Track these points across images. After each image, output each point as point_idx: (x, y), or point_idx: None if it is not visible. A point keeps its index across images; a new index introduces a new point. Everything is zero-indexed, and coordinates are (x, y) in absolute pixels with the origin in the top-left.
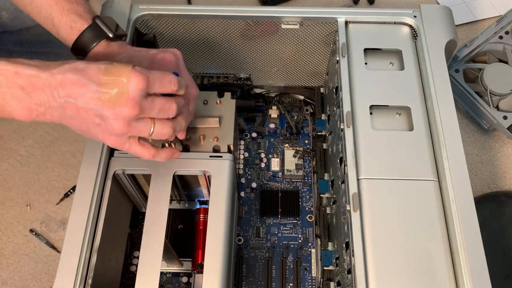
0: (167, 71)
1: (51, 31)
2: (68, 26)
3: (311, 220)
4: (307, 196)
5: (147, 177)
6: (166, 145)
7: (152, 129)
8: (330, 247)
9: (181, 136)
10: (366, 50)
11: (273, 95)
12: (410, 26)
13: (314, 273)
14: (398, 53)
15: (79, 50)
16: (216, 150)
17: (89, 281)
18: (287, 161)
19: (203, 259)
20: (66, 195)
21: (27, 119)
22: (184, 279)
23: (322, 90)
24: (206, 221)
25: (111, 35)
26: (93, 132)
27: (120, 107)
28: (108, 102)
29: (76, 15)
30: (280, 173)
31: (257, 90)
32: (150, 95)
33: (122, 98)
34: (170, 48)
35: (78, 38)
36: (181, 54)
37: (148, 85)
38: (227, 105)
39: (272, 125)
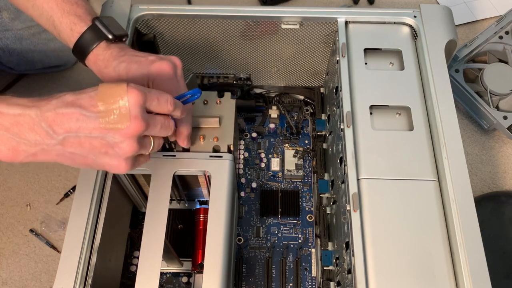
0: (164, 81)
1: (52, 33)
2: (69, 28)
3: (311, 220)
4: (307, 196)
5: (147, 177)
6: (166, 145)
7: (152, 145)
8: (330, 247)
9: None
10: (366, 50)
11: (273, 95)
12: (410, 26)
13: (314, 273)
14: (398, 53)
15: (80, 52)
16: (216, 150)
17: (89, 281)
18: (287, 161)
19: (203, 259)
20: (66, 195)
21: (13, 161)
22: (184, 279)
23: (322, 90)
24: (206, 221)
25: (110, 37)
26: (101, 163)
27: (126, 128)
28: (113, 126)
29: (76, 17)
30: (280, 173)
31: (257, 90)
32: (148, 112)
33: (125, 119)
34: (170, 55)
35: (78, 40)
36: (181, 63)
37: (146, 101)
38: (227, 105)
39: (272, 125)
